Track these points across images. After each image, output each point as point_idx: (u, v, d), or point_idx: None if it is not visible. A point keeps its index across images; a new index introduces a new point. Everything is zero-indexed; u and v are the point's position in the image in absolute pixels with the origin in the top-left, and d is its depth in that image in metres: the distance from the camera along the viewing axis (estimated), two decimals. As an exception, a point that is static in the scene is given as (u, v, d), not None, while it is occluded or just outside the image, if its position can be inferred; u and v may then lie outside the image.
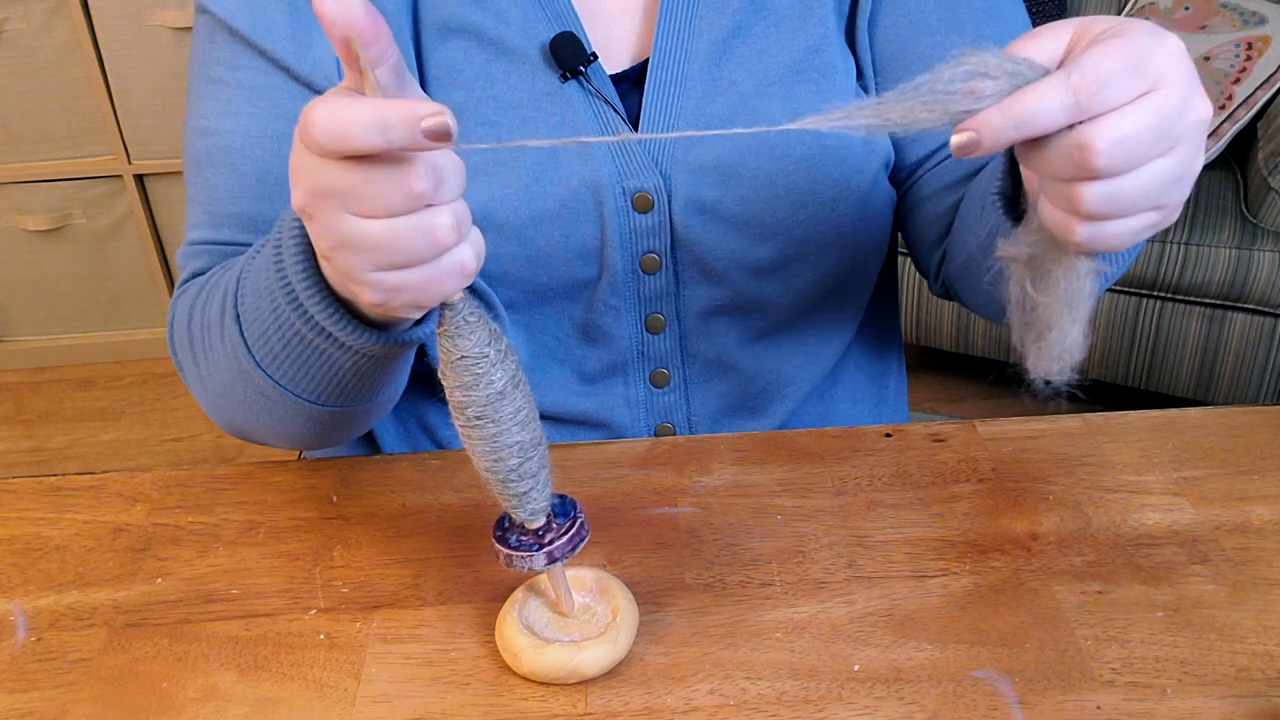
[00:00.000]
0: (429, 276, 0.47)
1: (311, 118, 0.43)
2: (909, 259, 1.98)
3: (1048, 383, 0.52)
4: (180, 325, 0.67)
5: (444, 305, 0.49)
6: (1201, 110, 0.46)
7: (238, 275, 0.61)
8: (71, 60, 2.15)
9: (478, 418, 0.50)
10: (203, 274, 0.69)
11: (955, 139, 0.45)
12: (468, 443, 0.51)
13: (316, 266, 0.53)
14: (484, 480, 0.52)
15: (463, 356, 0.49)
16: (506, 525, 0.55)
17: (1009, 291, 0.53)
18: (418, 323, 0.58)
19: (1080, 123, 0.43)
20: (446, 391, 0.50)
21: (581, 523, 0.55)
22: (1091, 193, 0.45)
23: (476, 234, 0.48)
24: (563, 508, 0.55)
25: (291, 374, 0.59)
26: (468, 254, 0.47)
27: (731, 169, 0.71)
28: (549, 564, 0.54)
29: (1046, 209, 0.48)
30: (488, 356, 0.49)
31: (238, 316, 0.60)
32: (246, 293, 0.59)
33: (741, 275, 0.74)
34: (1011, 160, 0.58)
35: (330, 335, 0.56)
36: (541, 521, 0.54)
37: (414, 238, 0.45)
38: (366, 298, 0.48)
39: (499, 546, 0.55)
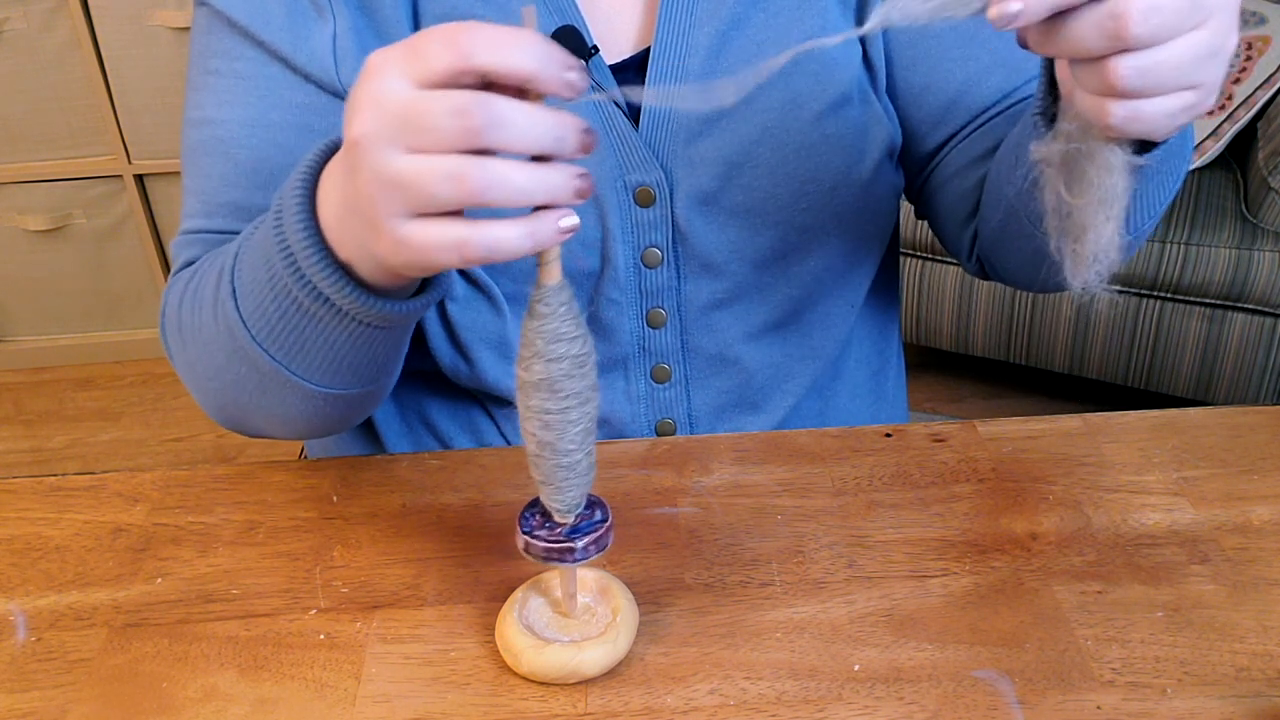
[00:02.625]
0: (433, 239, 0.46)
1: (470, 26, 0.44)
2: (910, 259, 1.99)
3: (1084, 290, 0.53)
4: (171, 311, 0.67)
5: (538, 283, 0.50)
6: None
7: (235, 251, 0.60)
8: (71, 60, 2.15)
9: (516, 386, 0.52)
10: (195, 263, 0.69)
11: (994, 10, 0.45)
12: None
13: (317, 228, 0.53)
14: None
15: (523, 333, 0.50)
16: (537, 500, 0.56)
17: (1045, 199, 0.53)
18: (416, 294, 0.58)
19: None
20: None
21: (569, 548, 0.54)
22: (1126, 66, 0.45)
23: (501, 234, 0.47)
24: (582, 525, 0.55)
25: (287, 347, 0.59)
26: (486, 233, 0.46)
27: (732, 160, 0.71)
28: (523, 551, 0.55)
29: (1081, 97, 0.48)
30: (534, 345, 0.50)
31: (234, 291, 0.60)
32: (244, 265, 0.59)
33: (743, 267, 0.74)
34: (1049, 83, 0.58)
35: (326, 299, 0.55)
36: (565, 520, 0.54)
37: (444, 182, 0.45)
38: (380, 244, 0.48)
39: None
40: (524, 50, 0.44)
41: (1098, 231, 0.51)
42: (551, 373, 0.50)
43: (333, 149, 0.54)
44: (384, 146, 0.45)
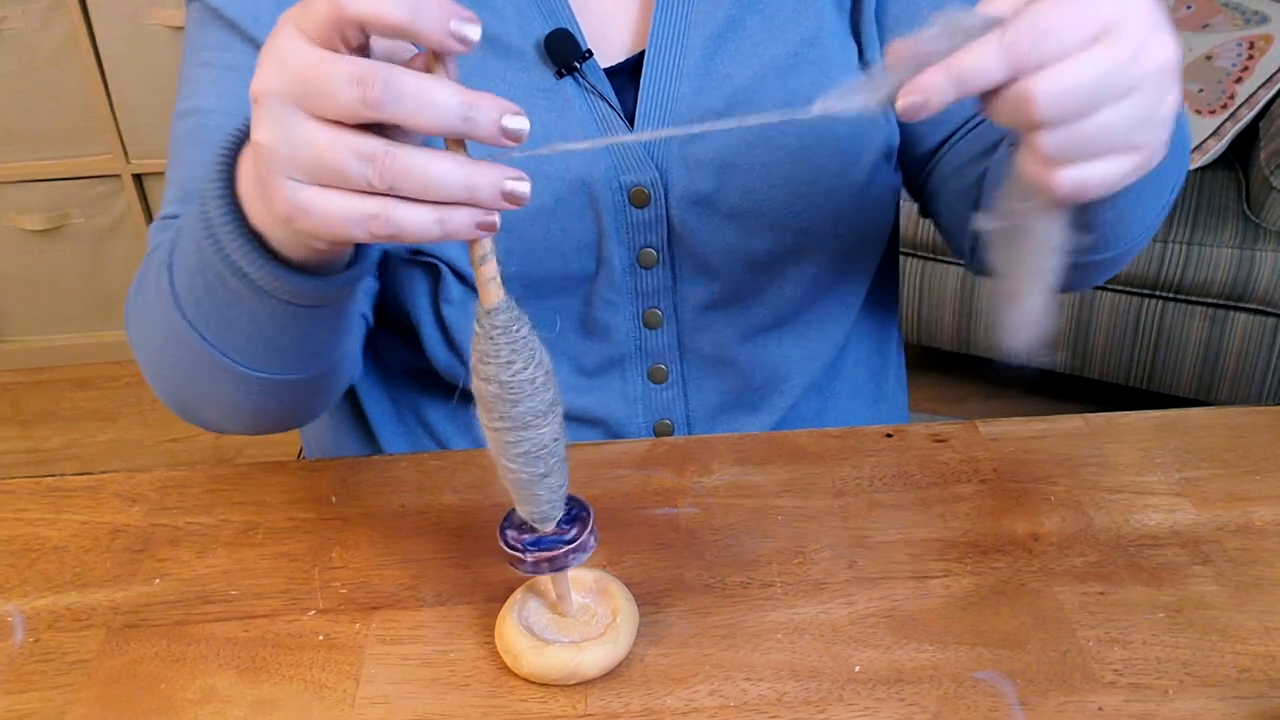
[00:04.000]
0: (337, 210, 0.45)
1: None
2: (911, 259, 1.99)
3: (1012, 365, 0.54)
4: (131, 293, 0.66)
5: (482, 308, 0.49)
6: (1161, 54, 0.45)
7: (180, 225, 0.59)
8: (69, 60, 2.15)
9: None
10: None
11: (900, 102, 0.45)
12: None
13: (234, 198, 0.52)
14: None
15: (472, 350, 0.50)
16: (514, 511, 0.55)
17: (991, 261, 0.54)
18: (345, 269, 0.55)
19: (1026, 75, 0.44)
20: None
21: (549, 558, 0.54)
22: (1046, 140, 0.45)
23: (419, 219, 0.45)
24: (561, 532, 0.54)
25: (214, 326, 0.57)
26: (394, 212, 0.44)
27: (727, 161, 0.71)
28: (506, 561, 0.54)
29: (1024, 159, 0.48)
30: (474, 365, 0.49)
31: (170, 266, 0.58)
32: (182, 239, 0.57)
33: (739, 268, 0.74)
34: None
35: (243, 273, 0.53)
36: (542, 529, 0.54)
37: (344, 156, 0.43)
38: (274, 205, 0.46)
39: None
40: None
41: (1030, 301, 0.52)
42: (487, 394, 0.49)
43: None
44: (284, 104, 0.44)
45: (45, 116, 2.20)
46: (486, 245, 0.48)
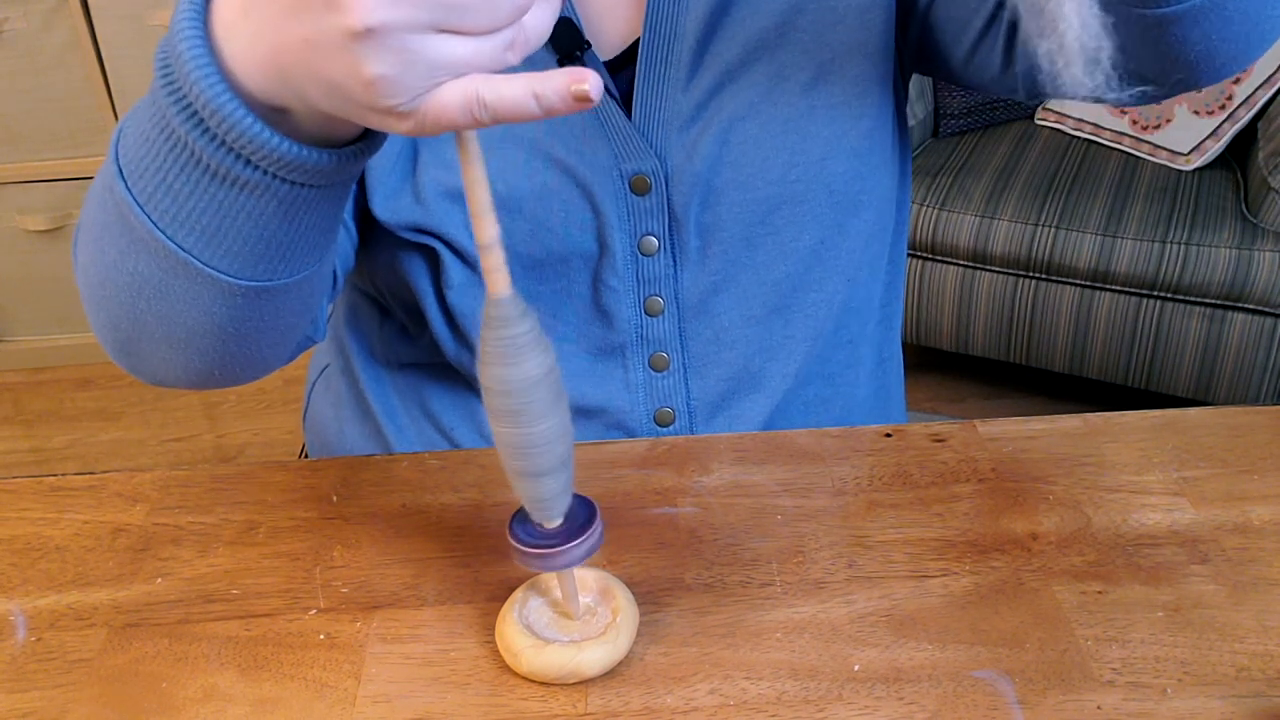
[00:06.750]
0: (454, 101, 0.44)
1: None
2: (910, 259, 1.99)
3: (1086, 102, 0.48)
4: (81, 216, 0.59)
5: (487, 294, 0.49)
6: None
7: (119, 130, 0.53)
8: (71, 60, 2.15)
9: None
10: None
11: None
12: None
13: (225, 78, 0.46)
14: None
15: (480, 342, 0.49)
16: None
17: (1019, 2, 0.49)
18: (358, 139, 0.51)
19: None
20: None
21: (557, 553, 0.54)
22: None
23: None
24: (569, 529, 0.54)
25: (199, 230, 0.51)
26: (477, 89, 0.44)
27: (721, 139, 0.72)
28: (515, 559, 0.54)
29: None
30: (484, 358, 0.49)
31: (121, 174, 0.51)
32: (131, 143, 0.51)
33: (738, 248, 0.75)
34: None
35: (252, 164, 0.48)
36: (550, 524, 0.54)
37: (497, 57, 0.44)
38: (394, 125, 0.44)
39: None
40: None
41: (1077, 18, 0.45)
42: (489, 387, 0.49)
43: None
44: (416, 34, 0.42)
45: (47, 117, 2.20)
46: (490, 234, 0.47)
